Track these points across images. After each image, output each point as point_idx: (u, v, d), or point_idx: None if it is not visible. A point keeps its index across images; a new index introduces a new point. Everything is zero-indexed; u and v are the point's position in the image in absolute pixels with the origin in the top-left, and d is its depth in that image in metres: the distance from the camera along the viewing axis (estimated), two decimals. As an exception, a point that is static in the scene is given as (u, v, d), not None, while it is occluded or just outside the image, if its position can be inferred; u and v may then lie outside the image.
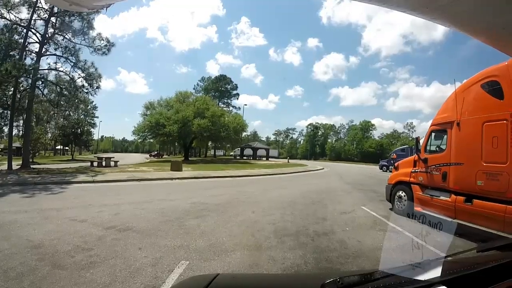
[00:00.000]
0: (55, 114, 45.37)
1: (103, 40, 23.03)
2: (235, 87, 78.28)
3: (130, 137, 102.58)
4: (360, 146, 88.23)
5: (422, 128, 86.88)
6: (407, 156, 12.00)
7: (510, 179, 5.65)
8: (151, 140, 54.89)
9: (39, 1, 20.10)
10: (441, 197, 7.30)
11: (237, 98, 79.29)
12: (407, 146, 38.14)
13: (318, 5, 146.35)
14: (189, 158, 47.13)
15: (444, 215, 6.91)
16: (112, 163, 25.26)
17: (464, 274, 1.25)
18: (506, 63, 6.03)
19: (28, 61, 21.13)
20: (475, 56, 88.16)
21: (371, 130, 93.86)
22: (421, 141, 8.51)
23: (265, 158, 63.37)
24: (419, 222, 6.95)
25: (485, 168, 6.16)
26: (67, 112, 33.65)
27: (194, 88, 72.88)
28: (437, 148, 7.92)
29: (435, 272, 1.23)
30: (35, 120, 35.23)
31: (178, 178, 16.94)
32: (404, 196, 8.71)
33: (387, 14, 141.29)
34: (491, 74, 6.39)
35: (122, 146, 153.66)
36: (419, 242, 2.21)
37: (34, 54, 21.75)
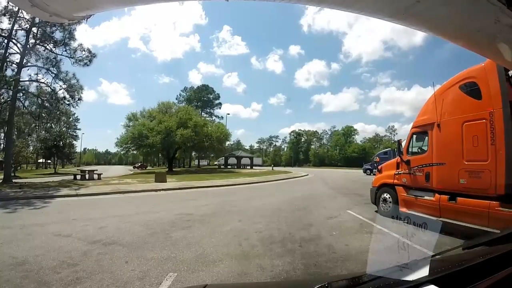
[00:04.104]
0: (37, 127, 44.36)
1: (84, 50, 22.81)
2: (218, 97, 78.95)
3: (113, 149, 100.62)
4: (343, 151, 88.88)
5: (404, 131, 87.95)
6: (390, 159, 12.13)
7: (491, 176, 5.79)
8: (135, 152, 54.06)
9: (20, 11, 19.74)
10: (425, 197, 7.41)
11: (220, 108, 79.77)
12: (389, 149, 38.38)
13: (299, 13, 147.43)
14: (173, 169, 46.57)
15: (429, 215, 7.03)
16: (96, 176, 24.78)
17: (452, 271, 1.26)
18: (483, 64, 6.21)
19: (9, 72, 20.78)
20: (453, 58, 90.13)
21: (353, 135, 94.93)
22: (403, 144, 8.65)
23: (249, 167, 63.34)
24: (404, 222, 7.03)
25: (467, 167, 6.31)
26: (48, 124, 32.87)
27: (176, 98, 73.19)
28: (419, 150, 8.06)
29: (423, 272, 1.23)
30: (16, 133, 34.34)
31: (162, 190, 16.68)
32: (389, 198, 8.80)
33: (367, 21, 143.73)
34: (468, 76, 6.58)
35: (106, 158, 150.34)
36: (406, 242, 2.21)
37: (15, 65, 21.40)
